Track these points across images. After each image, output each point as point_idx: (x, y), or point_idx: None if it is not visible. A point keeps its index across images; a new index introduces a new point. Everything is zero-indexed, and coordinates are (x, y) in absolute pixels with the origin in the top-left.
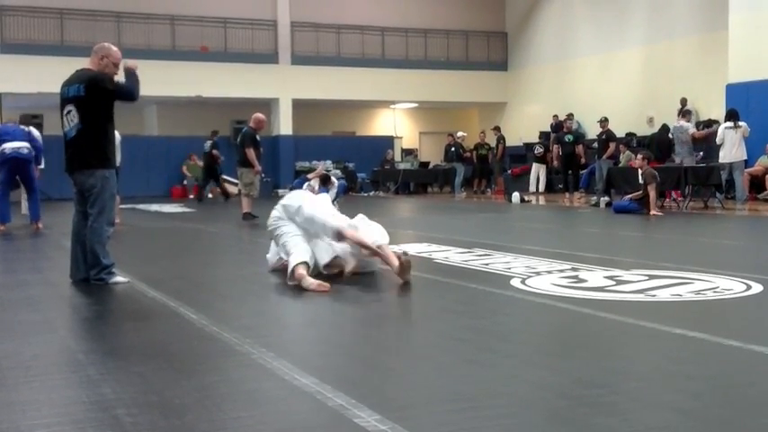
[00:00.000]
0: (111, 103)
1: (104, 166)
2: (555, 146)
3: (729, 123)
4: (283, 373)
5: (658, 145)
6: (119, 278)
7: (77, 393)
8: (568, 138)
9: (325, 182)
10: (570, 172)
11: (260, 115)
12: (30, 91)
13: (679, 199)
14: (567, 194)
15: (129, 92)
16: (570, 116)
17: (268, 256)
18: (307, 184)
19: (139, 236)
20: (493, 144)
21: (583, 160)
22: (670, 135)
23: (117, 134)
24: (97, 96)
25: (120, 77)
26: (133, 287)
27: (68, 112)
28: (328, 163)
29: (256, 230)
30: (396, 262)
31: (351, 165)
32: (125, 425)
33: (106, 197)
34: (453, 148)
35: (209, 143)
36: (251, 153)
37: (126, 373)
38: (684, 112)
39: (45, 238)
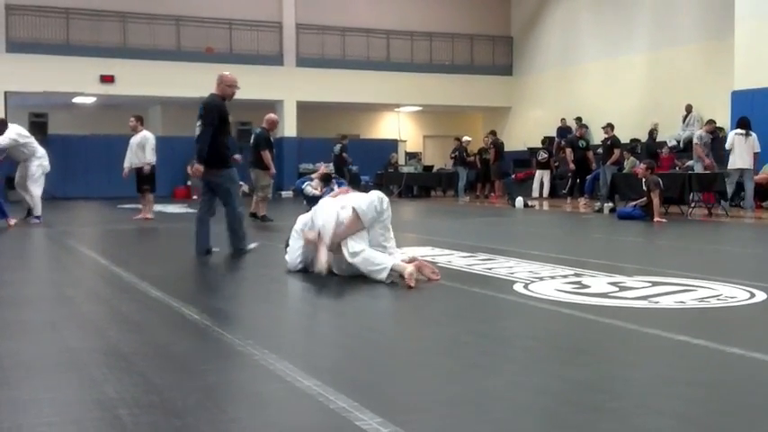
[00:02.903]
0: (219, 122)
1: (223, 166)
2: (568, 149)
3: (740, 131)
4: (286, 374)
5: (648, 152)
6: (253, 245)
7: (79, 393)
8: (582, 143)
9: (326, 180)
10: (578, 178)
11: (273, 116)
12: (35, 90)
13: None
14: (569, 199)
15: (202, 137)
16: (579, 120)
17: (287, 257)
18: (308, 183)
19: (143, 236)
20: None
21: (594, 166)
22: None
23: (151, 135)
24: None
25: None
26: (136, 287)
27: (199, 123)
28: (330, 166)
29: (261, 232)
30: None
31: (355, 167)
32: (126, 425)
33: (232, 189)
34: (457, 152)
35: (338, 146)
36: (266, 155)
37: (128, 373)
38: (709, 122)
39: (48, 237)
